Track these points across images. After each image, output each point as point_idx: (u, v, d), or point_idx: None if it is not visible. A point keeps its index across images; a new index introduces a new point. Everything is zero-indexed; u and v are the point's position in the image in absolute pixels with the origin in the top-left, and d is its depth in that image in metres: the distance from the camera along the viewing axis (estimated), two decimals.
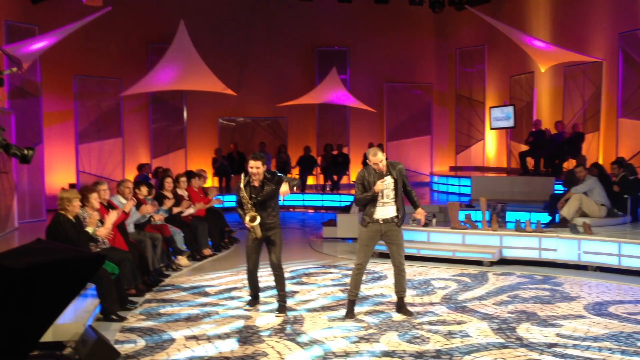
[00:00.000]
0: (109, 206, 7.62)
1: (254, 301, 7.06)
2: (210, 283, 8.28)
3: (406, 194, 6.63)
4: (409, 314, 6.63)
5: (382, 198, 6.43)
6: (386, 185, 6.41)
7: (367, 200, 6.46)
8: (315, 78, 18.58)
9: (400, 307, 6.73)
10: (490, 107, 17.39)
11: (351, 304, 6.67)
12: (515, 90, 17.35)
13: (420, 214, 6.74)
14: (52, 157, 15.27)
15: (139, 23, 17.20)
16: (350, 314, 6.61)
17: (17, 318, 2.21)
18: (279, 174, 6.77)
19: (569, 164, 13.95)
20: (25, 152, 5.01)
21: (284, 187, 6.67)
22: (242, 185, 6.64)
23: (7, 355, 2.28)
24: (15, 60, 10.10)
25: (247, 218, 6.60)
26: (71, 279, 2.30)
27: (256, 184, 6.66)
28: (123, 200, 8.25)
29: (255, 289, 7.06)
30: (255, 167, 6.59)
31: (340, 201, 16.17)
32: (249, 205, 6.59)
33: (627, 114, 13.52)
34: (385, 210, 6.48)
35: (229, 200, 15.67)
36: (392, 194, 6.46)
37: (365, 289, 7.63)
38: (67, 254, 2.31)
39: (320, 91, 17.47)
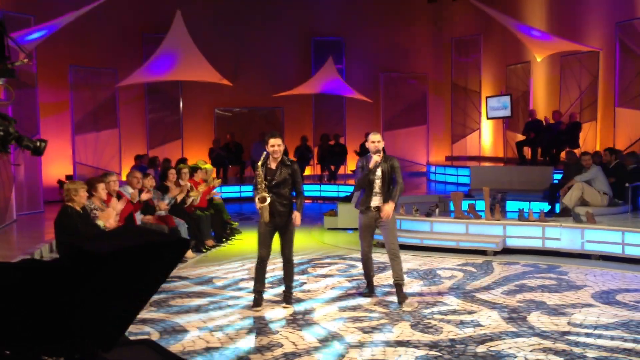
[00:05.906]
0: (118, 197, 7.59)
1: (259, 301, 6.65)
2: (216, 274, 8.27)
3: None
4: (402, 298, 6.65)
5: (375, 188, 6.73)
6: (377, 175, 6.71)
7: (367, 179, 6.70)
8: (312, 68, 18.52)
9: (398, 294, 6.73)
10: (487, 97, 17.40)
11: (369, 282, 7.09)
12: (511, 79, 17.37)
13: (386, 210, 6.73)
14: (48, 148, 14.59)
15: (135, 13, 17.02)
16: (370, 291, 7.03)
17: (101, 305, 2.19)
18: (296, 165, 6.60)
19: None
20: (38, 144, 4.97)
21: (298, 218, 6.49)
22: (259, 164, 6.42)
23: (96, 342, 2.26)
24: (25, 50, 10.00)
25: (257, 198, 6.34)
26: (157, 264, 2.27)
27: (273, 165, 6.46)
28: (132, 191, 8.23)
29: (261, 282, 6.64)
30: (277, 144, 6.40)
31: (337, 191, 16.15)
32: (262, 186, 6.34)
33: (624, 103, 13.58)
34: (377, 199, 6.77)
35: (227, 192, 15.64)
36: (379, 184, 6.73)
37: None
38: (151, 238, 2.28)
39: (317, 81, 17.40)
